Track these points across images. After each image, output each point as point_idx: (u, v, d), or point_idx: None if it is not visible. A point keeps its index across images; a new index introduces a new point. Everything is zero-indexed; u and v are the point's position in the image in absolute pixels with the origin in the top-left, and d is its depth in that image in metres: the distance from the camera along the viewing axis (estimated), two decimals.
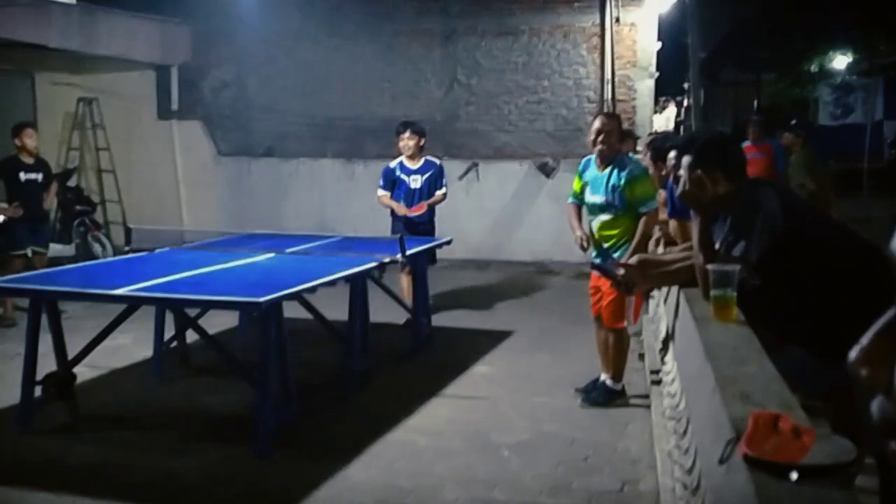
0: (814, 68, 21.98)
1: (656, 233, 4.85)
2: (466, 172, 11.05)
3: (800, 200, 3.81)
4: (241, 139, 11.88)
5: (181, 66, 11.75)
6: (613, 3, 10.52)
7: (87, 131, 11.56)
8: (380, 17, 11.20)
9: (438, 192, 7.52)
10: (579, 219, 5.48)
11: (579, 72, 10.83)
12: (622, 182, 5.08)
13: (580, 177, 5.44)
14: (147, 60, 11.30)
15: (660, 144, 5.16)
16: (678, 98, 25.99)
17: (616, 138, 5.23)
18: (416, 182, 7.46)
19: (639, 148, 9.51)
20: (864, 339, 0.58)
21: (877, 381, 0.56)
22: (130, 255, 5.72)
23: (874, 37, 19.09)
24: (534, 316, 7.92)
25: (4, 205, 7.40)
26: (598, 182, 5.21)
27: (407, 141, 7.42)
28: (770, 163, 8.98)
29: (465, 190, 11.03)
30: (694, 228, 3.07)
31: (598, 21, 10.66)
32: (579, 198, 5.45)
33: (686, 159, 3.01)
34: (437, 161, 7.62)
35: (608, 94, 10.72)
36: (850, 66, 21.31)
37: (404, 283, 7.08)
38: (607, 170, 5.17)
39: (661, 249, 4.59)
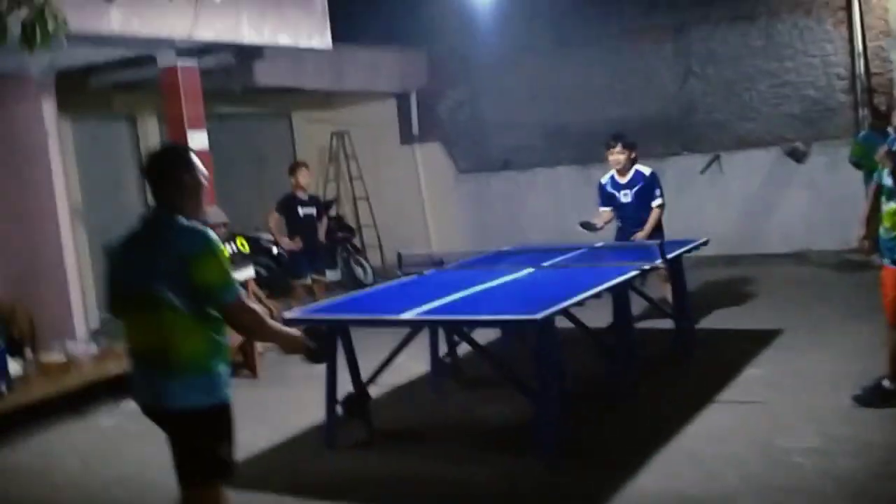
0: None
1: None
2: (708, 166, 10.75)
3: None
4: (479, 155, 12.29)
5: (419, 92, 12.38)
6: None
7: (341, 163, 12.46)
8: (606, 17, 11.15)
9: (653, 206, 7.27)
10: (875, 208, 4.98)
11: (826, 48, 10.19)
12: None
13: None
14: (388, 90, 12.03)
15: None
16: None
17: None
18: (626, 196, 7.35)
19: None
20: None
21: None
22: (403, 279, 6.11)
23: None
24: (800, 311, 7.54)
25: (286, 239, 8.18)
26: None
27: (617, 155, 7.30)
28: None
29: (708, 183, 10.73)
30: None
31: None
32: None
33: None
34: (648, 171, 7.38)
35: (860, 69, 10.00)
36: None
37: (665, 290, 7.00)
38: None
39: None
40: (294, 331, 3.31)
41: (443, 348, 6.23)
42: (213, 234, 2.98)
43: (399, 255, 6.26)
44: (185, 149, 3.18)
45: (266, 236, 9.42)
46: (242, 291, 3.04)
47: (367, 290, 6.15)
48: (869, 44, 9.99)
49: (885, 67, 10.04)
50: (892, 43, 9.97)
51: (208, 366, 3.00)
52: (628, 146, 7.34)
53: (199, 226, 3.00)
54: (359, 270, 10.80)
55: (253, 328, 3.08)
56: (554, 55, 11.49)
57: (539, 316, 4.31)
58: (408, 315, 4.66)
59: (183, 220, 3.00)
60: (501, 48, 11.60)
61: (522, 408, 5.02)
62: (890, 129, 8.76)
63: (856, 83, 10.05)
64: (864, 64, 10.00)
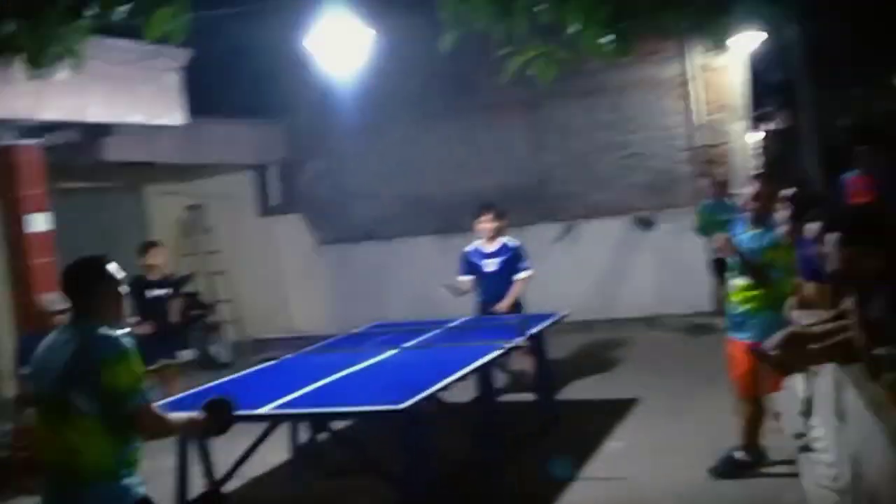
0: None
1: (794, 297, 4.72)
2: (562, 235, 11.05)
3: None
4: (341, 227, 12.19)
5: (277, 164, 12.21)
6: (696, 51, 10.47)
7: (197, 237, 12.04)
8: (464, 92, 11.38)
9: (520, 276, 7.35)
10: None
11: (669, 122, 10.77)
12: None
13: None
14: (246, 163, 11.79)
15: (804, 202, 4.78)
16: (764, 123, 25.43)
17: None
18: (491, 266, 7.41)
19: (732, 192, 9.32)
20: None
21: None
22: (263, 366, 5.88)
23: None
24: (654, 378, 7.75)
25: (136, 323, 7.72)
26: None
27: (487, 224, 7.40)
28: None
29: (562, 252, 10.99)
30: (852, 307, 2.99)
31: (682, 71, 10.62)
32: None
33: (833, 237, 2.95)
34: (514, 243, 7.50)
35: (700, 142, 10.62)
36: None
37: (526, 365, 7.04)
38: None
39: (798, 314, 4.47)
40: (191, 415, 3.41)
41: (305, 435, 6.01)
42: (125, 342, 3.08)
43: (256, 342, 6.04)
44: (99, 260, 3.29)
45: None
46: (150, 397, 3.13)
47: (224, 379, 5.85)
48: (707, 117, 10.64)
49: (722, 139, 10.70)
50: (728, 116, 10.67)
51: (118, 474, 3.06)
52: (498, 215, 7.43)
53: (114, 333, 3.11)
54: (215, 349, 10.37)
55: (157, 431, 3.21)
56: (414, 128, 11.62)
57: (402, 406, 4.22)
58: (266, 409, 4.46)
59: (99, 329, 3.10)
60: (361, 121, 11.59)
61: (388, 495, 4.87)
62: (727, 199, 9.35)
63: (696, 154, 10.64)
64: (704, 136, 10.62)
